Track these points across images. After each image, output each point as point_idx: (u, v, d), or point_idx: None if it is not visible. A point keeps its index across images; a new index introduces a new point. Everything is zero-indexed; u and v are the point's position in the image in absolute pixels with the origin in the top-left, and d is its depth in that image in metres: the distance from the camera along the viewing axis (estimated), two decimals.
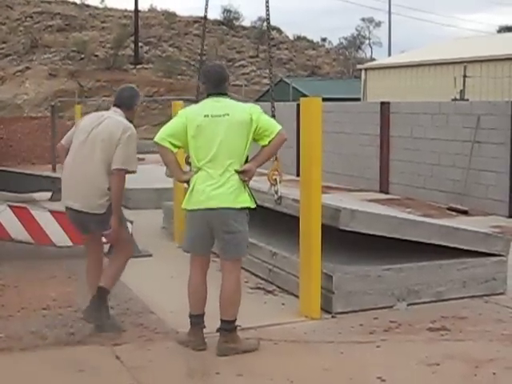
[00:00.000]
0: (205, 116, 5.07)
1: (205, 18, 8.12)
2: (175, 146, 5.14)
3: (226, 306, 5.10)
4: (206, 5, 7.85)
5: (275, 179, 6.19)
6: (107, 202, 5.46)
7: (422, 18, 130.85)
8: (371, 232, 6.29)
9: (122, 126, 5.51)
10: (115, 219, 5.45)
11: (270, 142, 5.11)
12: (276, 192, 6.27)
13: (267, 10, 6.80)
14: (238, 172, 5.01)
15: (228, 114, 5.05)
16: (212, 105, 5.14)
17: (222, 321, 5.13)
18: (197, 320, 5.21)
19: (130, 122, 5.70)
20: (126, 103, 5.73)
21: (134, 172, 5.49)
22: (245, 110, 5.10)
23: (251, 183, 5.28)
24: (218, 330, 5.15)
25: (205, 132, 5.04)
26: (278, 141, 5.10)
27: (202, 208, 5.04)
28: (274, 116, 6.52)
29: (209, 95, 5.22)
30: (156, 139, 5.15)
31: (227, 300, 5.10)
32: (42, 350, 5.22)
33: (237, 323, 5.18)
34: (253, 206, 5.15)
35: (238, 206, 5.02)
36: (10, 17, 52.08)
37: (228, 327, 5.12)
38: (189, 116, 5.15)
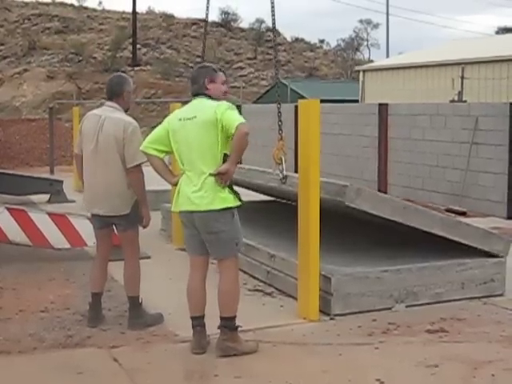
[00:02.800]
0: (179, 120, 5.15)
1: (206, 21, 8.14)
2: (161, 151, 5.22)
3: (223, 302, 5.11)
4: (207, 9, 7.87)
5: (280, 158, 6.20)
6: (131, 200, 5.68)
7: (419, 20, 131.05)
8: (375, 212, 6.18)
9: (122, 124, 5.63)
10: (146, 211, 5.74)
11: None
12: (281, 171, 6.29)
13: (273, 15, 6.79)
14: (213, 175, 4.98)
15: (196, 116, 5.07)
16: (187, 107, 5.23)
17: (221, 318, 5.15)
18: (196, 322, 5.21)
19: (126, 110, 5.80)
20: (115, 92, 5.81)
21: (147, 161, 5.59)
22: (211, 109, 5.02)
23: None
24: (218, 327, 5.16)
25: (179, 136, 5.12)
26: (237, 136, 4.91)
27: (184, 210, 5.12)
28: (280, 121, 6.53)
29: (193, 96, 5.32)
30: (141, 148, 5.27)
31: (223, 297, 5.11)
32: (40, 352, 5.21)
33: (236, 324, 5.18)
34: (235, 204, 5.10)
35: (218, 207, 5.00)
36: (8, 19, 52.05)
37: (227, 324, 5.11)
38: (170, 121, 5.27)
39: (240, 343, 5.13)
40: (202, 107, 5.11)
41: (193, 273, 5.27)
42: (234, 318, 5.14)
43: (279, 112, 6.54)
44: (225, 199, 5.03)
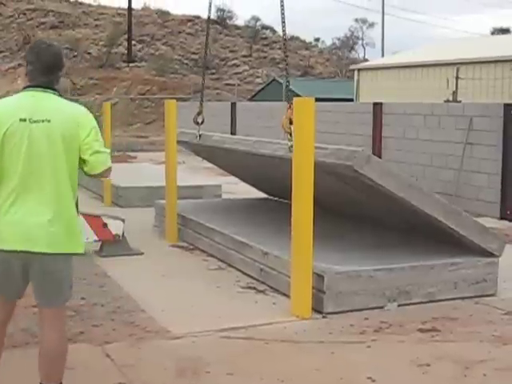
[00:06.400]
0: (21, 119, 3.79)
1: (208, 18, 8.20)
2: None
3: (51, 366, 4.16)
4: (210, 6, 7.96)
5: (290, 127, 6.21)
6: None
7: (415, 19, 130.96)
8: (381, 182, 6.15)
9: None
10: None
11: None
12: (290, 139, 6.30)
13: (282, 13, 6.82)
14: None
15: (49, 120, 3.80)
16: (29, 102, 3.86)
17: None
18: None
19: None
20: None
21: None
22: (72, 118, 3.87)
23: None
24: None
25: (18, 141, 3.80)
26: (101, 174, 4.01)
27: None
28: (289, 90, 6.54)
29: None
30: None
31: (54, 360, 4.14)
32: (32, 347, 5.20)
33: (227, 325, 5.05)
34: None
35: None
36: (3, 13, 51.89)
37: None
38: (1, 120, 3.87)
39: None
40: (58, 108, 3.83)
41: None
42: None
43: (287, 81, 6.55)
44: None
